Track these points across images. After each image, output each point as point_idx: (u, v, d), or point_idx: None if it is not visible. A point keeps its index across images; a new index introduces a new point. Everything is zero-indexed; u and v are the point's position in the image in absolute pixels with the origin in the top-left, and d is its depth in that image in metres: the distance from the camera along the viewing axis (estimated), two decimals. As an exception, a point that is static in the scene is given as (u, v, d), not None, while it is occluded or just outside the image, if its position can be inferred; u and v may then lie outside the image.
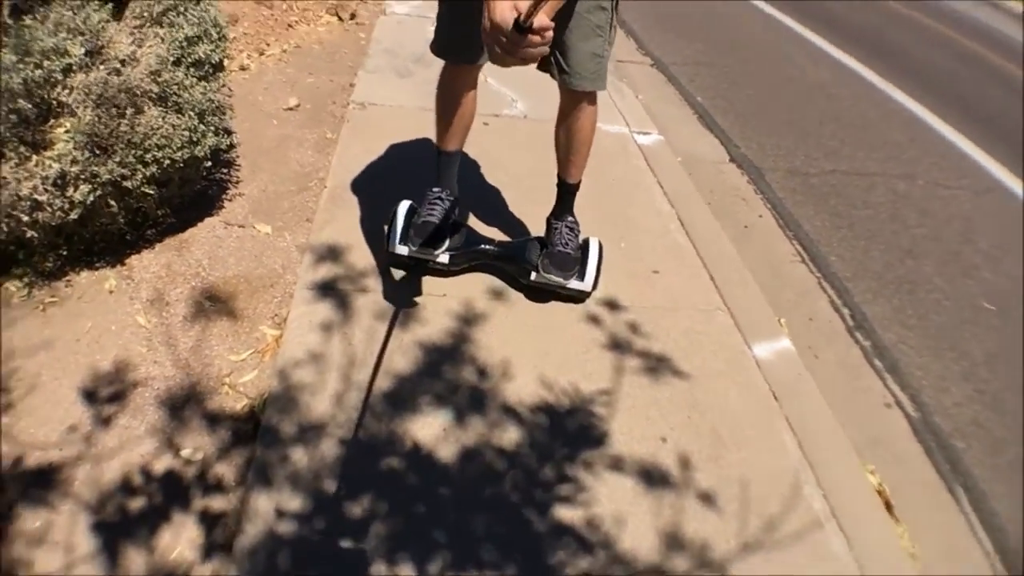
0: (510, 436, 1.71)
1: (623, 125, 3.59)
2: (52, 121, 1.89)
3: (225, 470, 1.63)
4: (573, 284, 2.05)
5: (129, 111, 1.92)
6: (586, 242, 2.11)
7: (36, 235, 2.04)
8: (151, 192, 2.31)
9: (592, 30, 1.73)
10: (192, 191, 2.50)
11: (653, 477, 1.65)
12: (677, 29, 5.80)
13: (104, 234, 2.31)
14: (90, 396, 1.80)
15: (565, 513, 1.53)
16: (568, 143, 1.99)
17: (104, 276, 2.19)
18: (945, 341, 2.48)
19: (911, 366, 2.33)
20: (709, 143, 3.76)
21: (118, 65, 1.91)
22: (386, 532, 1.45)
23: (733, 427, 1.82)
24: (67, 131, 1.84)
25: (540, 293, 2.15)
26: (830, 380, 2.11)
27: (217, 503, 1.55)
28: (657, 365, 1.99)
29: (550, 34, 1.06)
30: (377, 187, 2.65)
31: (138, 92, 1.94)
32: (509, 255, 2.14)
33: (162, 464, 1.63)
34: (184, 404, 1.79)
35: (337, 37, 4.71)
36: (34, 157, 1.86)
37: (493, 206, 2.60)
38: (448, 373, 1.87)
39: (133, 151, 1.95)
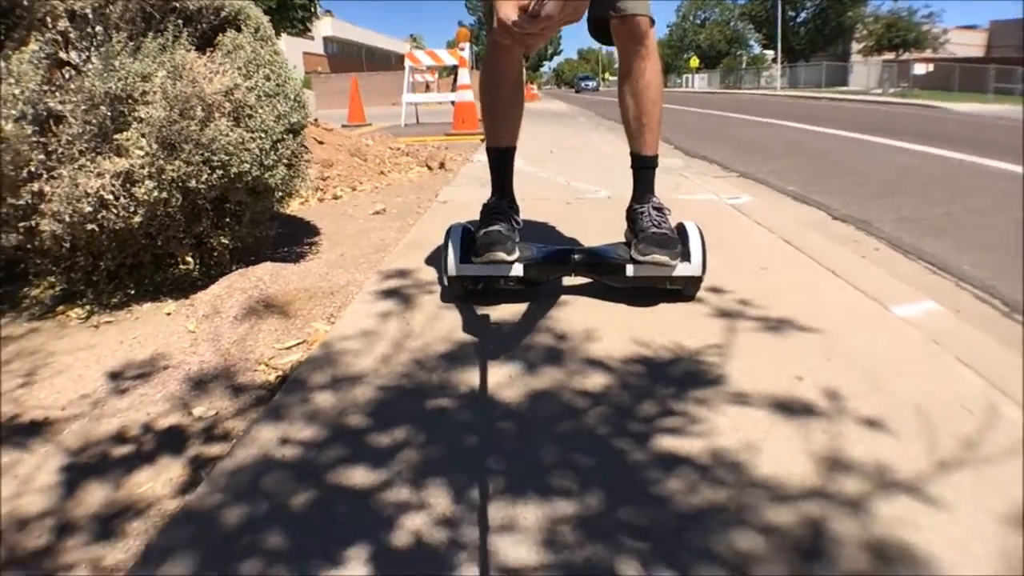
0: (595, 380, 1.33)
1: (712, 194, 3.41)
2: (126, 133, 1.94)
3: (236, 424, 1.33)
4: (681, 270, 1.66)
5: (199, 114, 1.96)
6: (680, 226, 1.75)
7: (105, 252, 2.03)
8: (225, 240, 2.32)
9: None
10: (266, 237, 2.48)
11: (792, 408, 1.19)
12: (760, 153, 5.82)
13: (176, 281, 2.29)
14: (115, 375, 1.61)
15: (671, 442, 1.10)
16: (637, 103, 1.73)
17: (166, 306, 2.10)
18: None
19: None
20: (807, 211, 3.48)
21: (194, 79, 1.99)
22: (419, 459, 1.07)
23: (889, 365, 1.35)
24: (138, 129, 1.88)
25: (641, 296, 1.77)
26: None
27: (215, 450, 1.24)
28: (779, 325, 1.58)
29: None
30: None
31: (210, 102, 2.00)
32: (595, 259, 1.77)
33: (168, 420, 1.36)
34: (212, 379, 1.56)
35: (427, 179, 5.00)
36: (104, 160, 1.90)
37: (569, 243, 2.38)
38: (520, 335, 1.55)
39: (200, 151, 1.95)
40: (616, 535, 0.87)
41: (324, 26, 33.39)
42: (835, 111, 14.02)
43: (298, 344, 1.74)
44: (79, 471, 1.21)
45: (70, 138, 1.90)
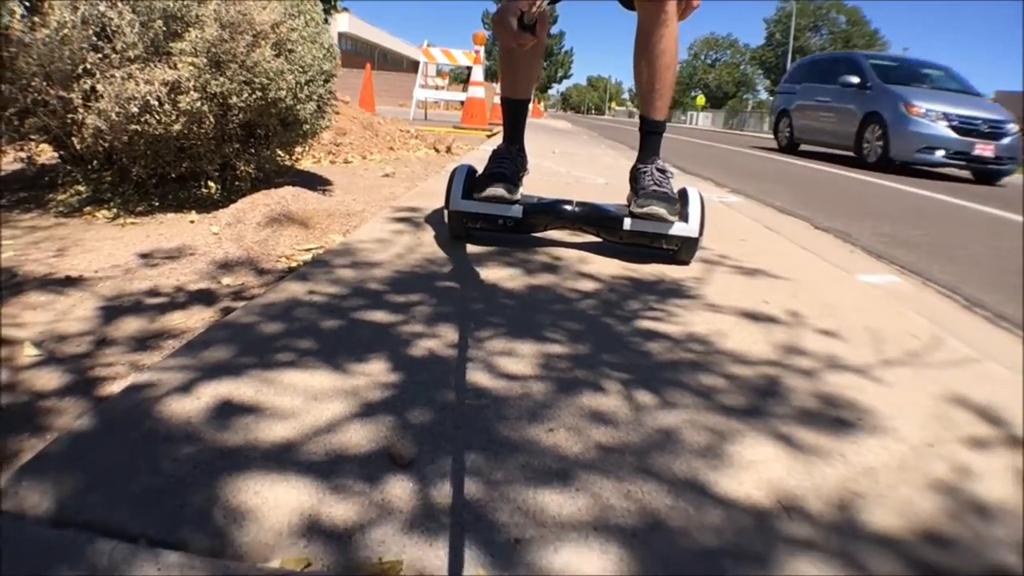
0: (586, 284, 1.48)
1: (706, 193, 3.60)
2: (180, 44, 2.08)
3: (264, 290, 1.47)
4: (677, 229, 1.68)
5: (247, 38, 2.11)
6: (683, 190, 1.79)
7: (139, 157, 2.16)
8: (250, 170, 2.46)
9: None
10: (286, 169, 2.62)
11: (756, 317, 1.36)
12: (751, 177, 6.05)
13: (198, 200, 2.42)
14: (144, 255, 1.74)
15: (650, 324, 1.26)
16: (651, 70, 1.75)
17: (189, 216, 2.24)
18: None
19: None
20: (793, 221, 3.68)
21: (245, 7, 2.15)
22: (430, 312, 1.22)
23: (847, 304, 1.52)
24: (191, 42, 2.03)
25: (636, 253, 1.81)
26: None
27: (242, 303, 1.38)
28: (752, 272, 1.75)
29: (544, 34, 1.37)
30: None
31: (258, 30, 2.15)
32: (594, 211, 1.80)
33: (197, 285, 1.50)
34: (237, 263, 1.69)
35: (434, 158, 5.16)
36: (156, 68, 2.04)
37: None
38: (521, 253, 1.71)
39: (243, 72, 2.10)
40: (600, 367, 1.03)
41: (341, 22, 33.61)
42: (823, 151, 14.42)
43: (317, 248, 1.88)
44: (115, 310, 1.34)
45: (124, 45, 2.04)
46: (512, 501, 0.67)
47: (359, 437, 0.76)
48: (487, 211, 1.77)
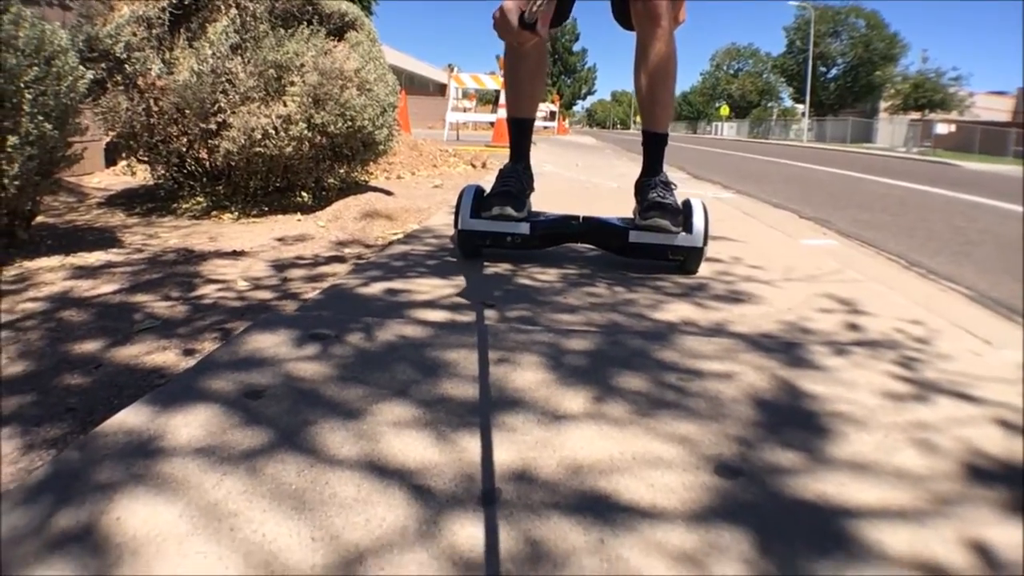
0: (591, 252, 2.16)
1: (701, 191, 4.25)
2: (292, 89, 2.84)
3: (379, 253, 2.18)
4: (682, 240, 1.76)
5: (339, 82, 2.86)
6: (687, 201, 1.87)
7: (259, 171, 2.91)
8: (336, 182, 3.21)
9: None
10: (364, 184, 3.36)
11: (708, 260, 2.02)
12: (755, 179, 6.66)
13: (295, 206, 3.17)
14: (279, 239, 2.47)
15: (630, 262, 1.93)
16: (651, 82, 1.82)
17: (295, 217, 2.98)
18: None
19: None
20: (782, 213, 4.30)
21: (335, 58, 2.90)
22: (491, 255, 1.92)
23: (780, 254, 2.17)
24: (300, 86, 2.78)
25: (640, 264, 1.91)
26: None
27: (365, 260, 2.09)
28: (717, 238, 2.41)
29: (545, 31, 1.40)
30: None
31: (347, 75, 2.90)
32: (600, 225, 1.89)
33: (329, 253, 2.22)
34: (348, 242, 2.42)
35: (472, 173, 5.90)
36: (273, 104, 2.80)
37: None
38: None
39: (338, 108, 2.85)
40: (595, 278, 1.71)
41: (371, 50, 34.80)
42: (842, 157, 14.83)
43: (402, 232, 2.59)
44: (281, 266, 2.06)
45: (245, 88, 2.80)
46: (547, 317, 1.36)
47: (466, 297, 1.46)
48: (495, 229, 1.83)
